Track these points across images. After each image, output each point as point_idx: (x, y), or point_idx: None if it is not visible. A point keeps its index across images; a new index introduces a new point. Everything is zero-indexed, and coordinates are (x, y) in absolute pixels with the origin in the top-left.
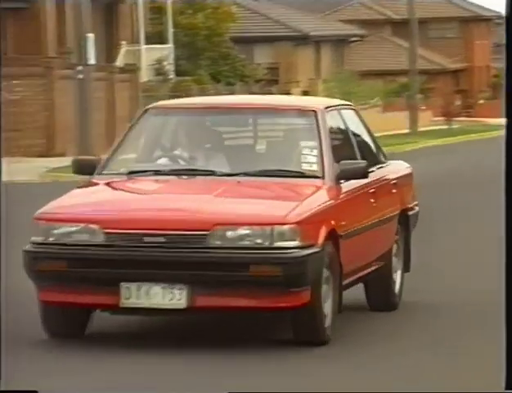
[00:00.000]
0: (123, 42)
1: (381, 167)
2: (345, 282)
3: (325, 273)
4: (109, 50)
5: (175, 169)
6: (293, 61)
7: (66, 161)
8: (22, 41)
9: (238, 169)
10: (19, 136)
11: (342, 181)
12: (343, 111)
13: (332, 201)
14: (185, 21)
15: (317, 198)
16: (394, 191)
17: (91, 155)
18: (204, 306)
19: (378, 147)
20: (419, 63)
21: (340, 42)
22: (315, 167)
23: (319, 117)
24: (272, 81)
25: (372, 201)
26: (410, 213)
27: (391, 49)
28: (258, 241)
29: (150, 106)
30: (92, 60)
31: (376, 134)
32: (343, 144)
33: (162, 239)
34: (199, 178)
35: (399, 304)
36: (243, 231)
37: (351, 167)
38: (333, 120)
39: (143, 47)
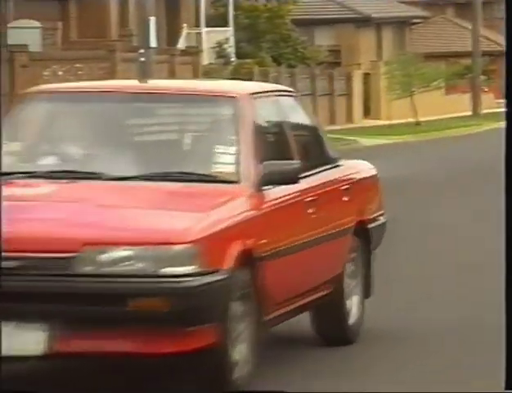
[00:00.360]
0: (185, 25)
1: (329, 169)
2: (273, 315)
3: (238, 305)
4: (170, 33)
5: (50, 172)
6: (354, 44)
7: None
8: (85, 24)
9: (134, 171)
10: None
11: (269, 187)
12: (278, 99)
13: (250, 213)
14: (246, 4)
15: (229, 209)
16: (347, 198)
17: None
18: (69, 352)
19: (325, 144)
20: (483, 44)
21: (402, 24)
22: (230, 169)
23: (240, 105)
24: (334, 63)
25: (311, 211)
26: (372, 225)
27: (454, 31)
28: (141, 265)
29: (32, 89)
30: (153, 43)
31: (439, 116)
32: (275, 140)
33: (14, 263)
34: (81, 182)
35: (358, 336)
36: (121, 253)
37: (277, 169)
38: (262, 109)
39: (204, 29)
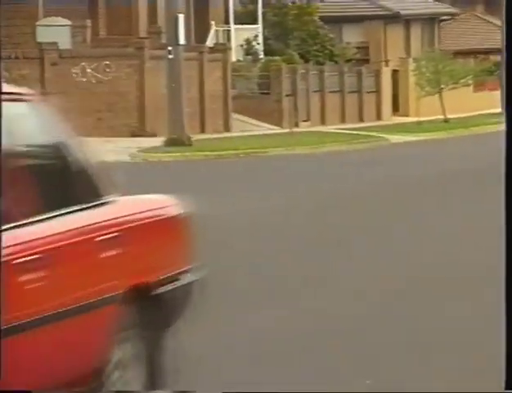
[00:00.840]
0: (213, 23)
1: (82, 209)
2: None
3: None
4: (199, 30)
5: None
6: (383, 40)
7: (157, 141)
8: (114, 21)
9: None
10: (111, 116)
11: None
12: None
13: None
14: (274, 1)
15: None
16: (111, 253)
17: (183, 135)
18: None
19: (80, 172)
20: None
21: (431, 20)
22: None
23: None
24: (363, 60)
25: (25, 279)
26: (163, 290)
27: (483, 27)
28: None
29: None
30: (182, 41)
31: (467, 114)
32: None
33: None
34: None
35: None
36: None
37: None
38: None
39: (232, 27)
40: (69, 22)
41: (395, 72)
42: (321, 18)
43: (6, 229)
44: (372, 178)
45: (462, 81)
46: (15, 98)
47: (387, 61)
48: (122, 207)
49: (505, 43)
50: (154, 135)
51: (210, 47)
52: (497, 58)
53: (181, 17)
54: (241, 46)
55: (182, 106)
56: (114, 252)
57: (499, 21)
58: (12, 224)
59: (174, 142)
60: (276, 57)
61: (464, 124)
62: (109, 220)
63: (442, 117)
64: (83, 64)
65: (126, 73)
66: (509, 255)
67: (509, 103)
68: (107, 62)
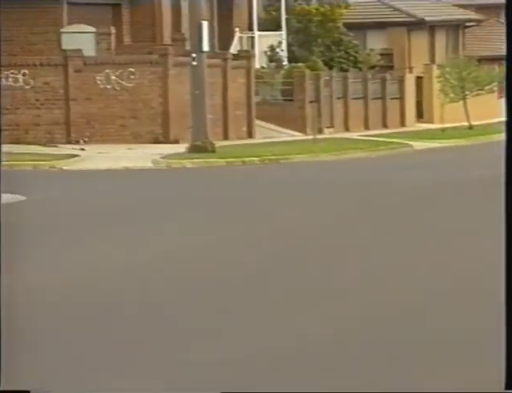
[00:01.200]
0: (237, 29)
1: None
2: None
3: None
4: (223, 37)
5: None
6: (407, 47)
7: (180, 148)
8: (138, 28)
9: None
10: (134, 123)
11: None
12: None
13: None
14: (298, 7)
15: None
16: None
17: (206, 142)
18: None
19: None
20: None
21: (455, 27)
22: None
23: None
24: (387, 67)
25: None
26: None
27: None
28: None
29: None
30: (206, 47)
31: (492, 120)
32: None
33: None
34: None
35: None
36: None
37: None
38: None
39: (256, 33)
40: (93, 29)
41: (419, 79)
42: (345, 24)
43: None
44: (401, 184)
45: (487, 87)
46: None
47: (411, 68)
48: None
49: (506, 48)
50: (177, 142)
51: (234, 54)
52: None
53: (204, 24)
54: (265, 52)
55: (206, 113)
56: None
57: None
58: None
59: (197, 149)
60: (300, 64)
61: (488, 131)
62: None
63: (466, 124)
64: (108, 71)
65: (150, 80)
66: (509, 256)
67: (510, 112)
68: (131, 69)
